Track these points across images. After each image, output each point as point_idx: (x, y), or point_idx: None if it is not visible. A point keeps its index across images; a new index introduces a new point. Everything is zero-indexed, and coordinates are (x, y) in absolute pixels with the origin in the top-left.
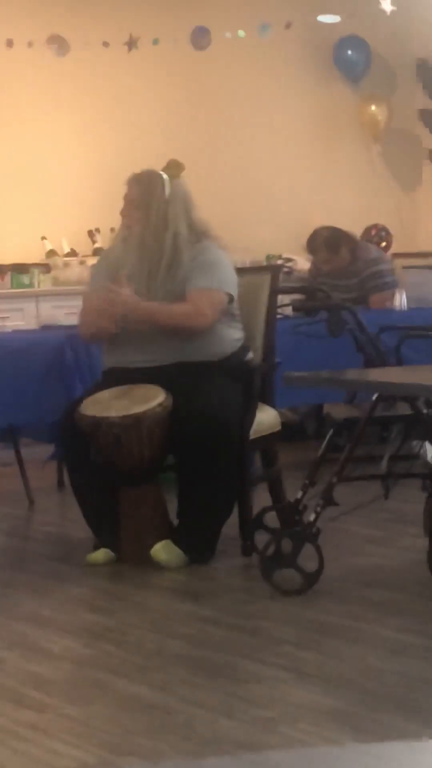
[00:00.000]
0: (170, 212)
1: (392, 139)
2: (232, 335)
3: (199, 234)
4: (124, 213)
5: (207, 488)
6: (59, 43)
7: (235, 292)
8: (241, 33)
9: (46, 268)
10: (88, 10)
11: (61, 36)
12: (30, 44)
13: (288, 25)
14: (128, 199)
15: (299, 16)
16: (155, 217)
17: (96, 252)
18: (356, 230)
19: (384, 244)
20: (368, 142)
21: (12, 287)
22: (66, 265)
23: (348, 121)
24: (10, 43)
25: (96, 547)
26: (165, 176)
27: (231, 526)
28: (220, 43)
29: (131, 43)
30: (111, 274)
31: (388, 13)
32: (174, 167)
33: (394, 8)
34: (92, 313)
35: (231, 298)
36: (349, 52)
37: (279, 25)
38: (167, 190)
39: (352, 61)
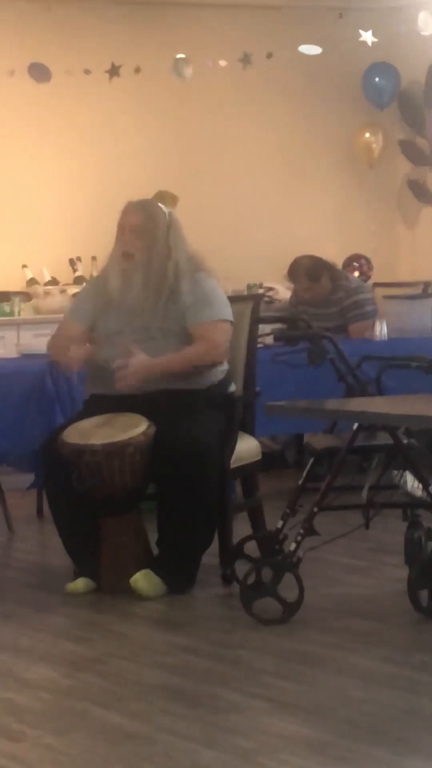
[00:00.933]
0: (171, 241)
1: (372, 169)
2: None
3: (195, 264)
4: (126, 240)
5: (187, 517)
6: (41, 71)
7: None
8: (221, 62)
9: (26, 296)
10: (69, 38)
11: (43, 64)
12: (11, 72)
13: (269, 55)
14: (130, 227)
15: (280, 46)
16: (160, 245)
17: (77, 280)
18: (337, 260)
19: (363, 273)
20: (349, 172)
21: None
22: (47, 293)
23: (329, 151)
24: None
25: (76, 576)
26: (162, 205)
27: (211, 555)
28: (202, 72)
29: (113, 71)
30: (100, 302)
31: (370, 45)
32: (169, 198)
33: (375, 40)
34: (64, 341)
35: (233, 326)
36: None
37: (260, 55)
38: (167, 219)
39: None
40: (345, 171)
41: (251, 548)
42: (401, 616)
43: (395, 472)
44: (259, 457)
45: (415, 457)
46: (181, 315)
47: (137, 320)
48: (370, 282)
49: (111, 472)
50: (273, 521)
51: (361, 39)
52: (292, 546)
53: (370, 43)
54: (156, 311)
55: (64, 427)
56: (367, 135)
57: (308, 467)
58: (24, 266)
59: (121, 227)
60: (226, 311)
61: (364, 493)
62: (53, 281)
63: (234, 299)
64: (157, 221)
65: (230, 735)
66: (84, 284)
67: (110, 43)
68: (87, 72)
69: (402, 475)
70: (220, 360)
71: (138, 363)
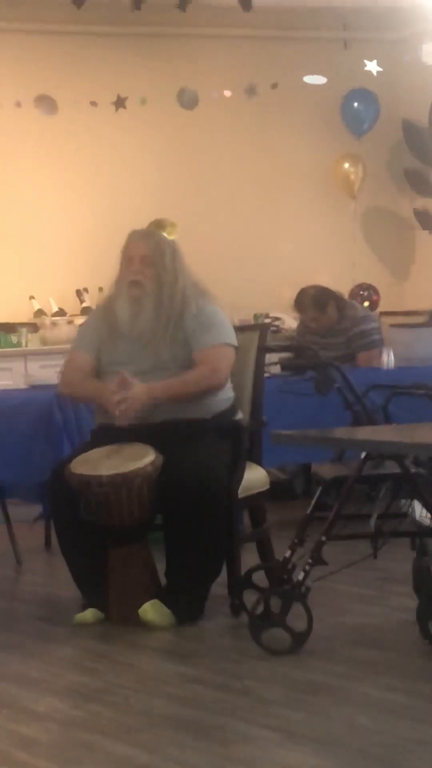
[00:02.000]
0: (177, 268)
1: (378, 198)
2: (224, 393)
3: (199, 290)
4: (134, 270)
5: (195, 547)
6: (47, 103)
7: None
8: (226, 93)
9: (34, 327)
10: (76, 71)
11: (50, 96)
12: (18, 104)
13: (274, 86)
14: (138, 256)
15: (285, 76)
16: (168, 273)
17: (84, 311)
18: (344, 289)
19: (370, 302)
20: (354, 201)
21: (0, 346)
22: (54, 324)
23: (334, 180)
24: None
25: (84, 607)
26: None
27: (219, 585)
28: (207, 103)
29: (119, 103)
30: (105, 332)
31: (375, 75)
32: (168, 225)
33: (380, 69)
34: (74, 374)
35: (236, 351)
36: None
37: (265, 85)
38: (173, 247)
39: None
40: (351, 201)
41: (260, 578)
42: (410, 646)
43: (403, 500)
44: (267, 486)
45: (423, 485)
46: (186, 341)
47: (148, 349)
48: (377, 311)
49: (118, 502)
50: (281, 551)
51: (366, 68)
52: (301, 576)
53: (375, 73)
54: (166, 339)
55: (71, 457)
56: (354, 167)
57: (316, 496)
58: (31, 297)
59: (129, 257)
60: (229, 335)
61: (372, 522)
62: (60, 312)
63: (241, 329)
64: (164, 249)
65: (239, 766)
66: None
67: (116, 75)
68: (93, 104)
69: (410, 504)
70: (220, 385)
71: (136, 393)
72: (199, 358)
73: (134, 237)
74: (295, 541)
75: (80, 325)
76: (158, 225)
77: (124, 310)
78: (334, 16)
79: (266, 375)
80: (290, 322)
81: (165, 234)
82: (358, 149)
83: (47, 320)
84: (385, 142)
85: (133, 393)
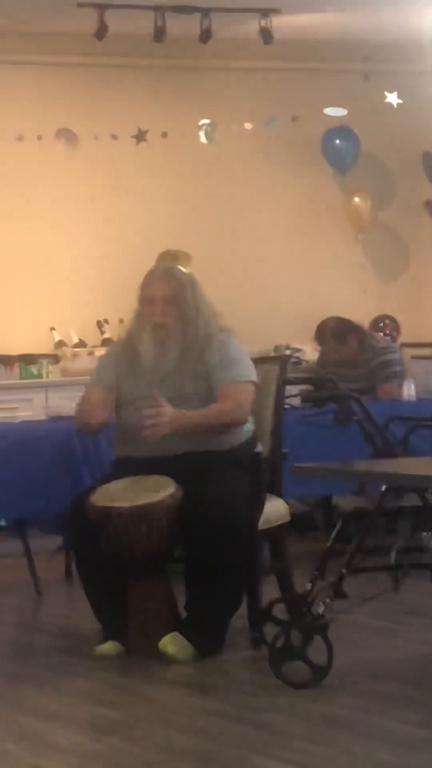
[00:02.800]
0: (199, 301)
1: (398, 230)
2: (244, 425)
3: (218, 324)
4: (158, 311)
5: (215, 580)
6: (68, 137)
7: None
8: (247, 125)
9: (54, 358)
10: (96, 104)
11: (70, 129)
12: (39, 137)
13: (295, 118)
14: (159, 296)
15: (305, 108)
16: (191, 309)
17: (105, 342)
18: (364, 320)
19: (391, 334)
20: (372, 233)
21: (21, 378)
22: (75, 355)
23: (346, 213)
24: (20, 138)
25: (104, 639)
26: (182, 268)
27: (240, 617)
28: (227, 136)
29: (140, 136)
30: (124, 368)
31: (395, 106)
32: (182, 256)
33: (401, 101)
34: (88, 407)
35: (257, 387)
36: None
37: (286, 118)
38: (192, 281)
39: (341, 153)
40: (370, 233)
41: (280, 611)
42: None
43: (424, 533)
44: (288, 518)
45: None
46: (207, 375)
47: (168, 382)
48: (398, 342)
49: (138, 534)
50: (302, 583)
51: (387, 101)
52: (321, 608)
53: (395, 105)
54: (188, 373)
55: (92, 489)
56: (361, 201)
57: (337, 529)
58: (52, 329)
59: (150, 297)
60: (251, 371)
61: (393, 555)
62: (81, 343)
63: (261, 360)
64: (185, 285)
65: None
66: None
67: (137, 108)
68: (114, 137)
69: (431, 537)
70: (243, 420)
71: (168, 412)
72: (222, 392)
73: (152, 278)
74: (316, 573)
75: (99, 358)
76: (172, 257)
77: (149, 352)
78: (355, 48)
79: (286, 407)
80: (311, 353)
81: (181, 267)
82: (371, 182)
83: (68, 351)
84: (407, 173)
85: (166, 411)
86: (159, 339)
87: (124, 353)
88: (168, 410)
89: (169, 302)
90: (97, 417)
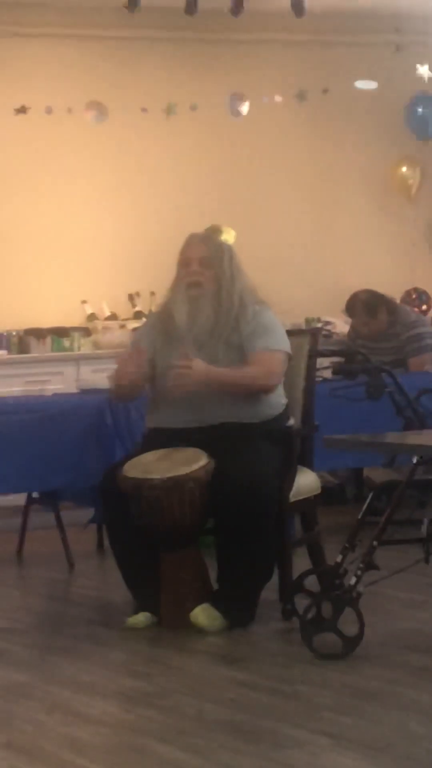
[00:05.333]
0: (234, 272)
1: (429, 201)
2: (278, 399)
3: (254, 296)
4: (193, 271)
5: (247, 552)
6: (98, 109)
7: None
8: (277, 98)
9: (86, 331)
10: (126, 77)
11: (100, 102)
12: (69, 110)
13: (325, 91)
14: (196, 258)
15: (336, 81)
16: (226, 275)
17: (136, 315)
18: (395, 293)
19: (424, 307)
20: (406, 204)
21: (52, 351)
22: (106, 328)
23: (385, 183)
24: (49, 110)
25: (136, 611)
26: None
27: (271, 589)
28: (258, 108)
29: (169, 109)
30: (160, 339)
31: (426, 81)
32: (227, 233)
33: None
34: (124, 365)
35: (290, 358)
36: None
37: (316, 91)
38: (230, 251)
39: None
40: (403, 204)
41: (311, 583)
42: None
43: None
44: (319, 491)
45: None
46: (241, 345)
47: (203, 352)
48: (429, 315)
49: (170, 506)
50: (332, 556)
51: (418, 73)
52: (353, 580)
53: (426, 78)
54: (221, 341)
55: (123, 461)
56: (405, 169)
57: (368, 501)
58: (84, 302)
59: (187, 259)
60: (285, 342)
61: (424, 527)
62: (112, 316)
63: (292, 333)
64: (223, 252)
65: None
66: (143, 320)
67: (167, 81)
68: (144, 110)
69: None
70: (272, 387)
71: (195, 365)
72: (253, 359)
73: (193, 240)
74: (347, 545)
75: (133, 331)
76: (215, 231)
77: (182, 312)
78: (386, 19)
79: (318, 379)
80: (342, 326)
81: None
82: (416, 153)
83: (99, 324)
84: None
85: (193, 363)
86: (193, 298)
87: (159, 323)
88: (197, 362)
89: (205, 264)
90: (131, 376)
